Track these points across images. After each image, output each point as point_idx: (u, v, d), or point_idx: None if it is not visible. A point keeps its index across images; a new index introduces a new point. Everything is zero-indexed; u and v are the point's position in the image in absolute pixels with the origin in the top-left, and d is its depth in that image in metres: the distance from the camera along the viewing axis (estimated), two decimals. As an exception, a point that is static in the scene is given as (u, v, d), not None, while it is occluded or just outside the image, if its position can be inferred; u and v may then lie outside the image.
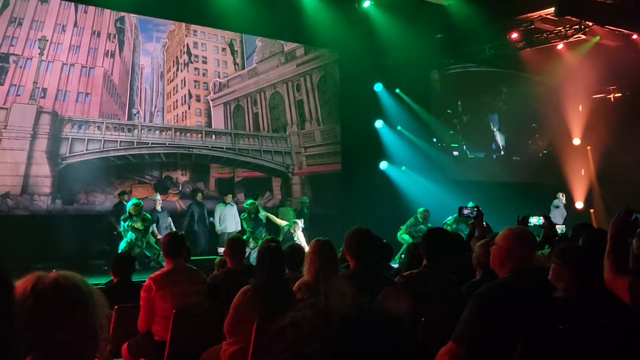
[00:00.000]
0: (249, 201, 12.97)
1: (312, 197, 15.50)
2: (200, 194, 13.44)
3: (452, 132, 18.37)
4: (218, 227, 13.14)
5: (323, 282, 4.08)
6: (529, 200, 14.61)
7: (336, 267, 4.43)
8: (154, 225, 12.10)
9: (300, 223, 13.20)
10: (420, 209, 13.77)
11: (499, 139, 19.50)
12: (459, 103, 18.73)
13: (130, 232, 11.22)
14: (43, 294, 1.58)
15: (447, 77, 18.35)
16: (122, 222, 11.38)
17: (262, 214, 13.09)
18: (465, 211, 5.90)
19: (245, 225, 12.79)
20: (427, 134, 17.11)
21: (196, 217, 13.16)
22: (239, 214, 13.09)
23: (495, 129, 19.42)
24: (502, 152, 19.50)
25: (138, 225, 11.26)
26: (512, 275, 3.12)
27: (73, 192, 12.68)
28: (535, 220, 6.11)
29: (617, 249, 2.90)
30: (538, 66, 17.16)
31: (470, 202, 12.92)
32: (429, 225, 13.36)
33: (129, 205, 11.45)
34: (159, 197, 12.72)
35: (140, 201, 11.64)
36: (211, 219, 13.36)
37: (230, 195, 13.63)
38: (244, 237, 11.76)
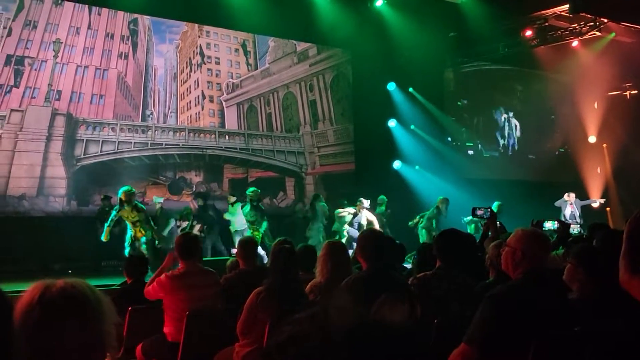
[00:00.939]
0: (252, 189, 12.49)
1: (325, 197, 15.50)
2: (200, 200, 12.95)
3: (464, 128, 18.27)
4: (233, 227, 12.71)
5: (335, 283, 4.08)
6: (544, 200, 14.56)
7: (348, 268, 4.43)
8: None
9: (366, 203, 13.31)
10: (440, 197, 13.67)
11: (511, 136, 19.41)
12: (468, 101, 18.66)
13: (128, 227, 10.73)
14: (50, 304, 1.58)
15: (461, 75, 18.30)
16: (113, 211, 10.70)
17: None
18: (479, 212, 5.87)
19: (245, 215, 12.29)
20: (441, 133, 17.05)
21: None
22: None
23: (505, 126, 19.32)
24: (516, 148, 19.42)
25: (129, 214, 10.58)
26: (526, 276, 3.09)
27: (88, 194, 12.76)
28: (549, 225, 6.07)
29: (633, 249, 2.86)
30: (553, 64, 17.06)
31: (496, 202, 12.90)
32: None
33: (120, 192, 10.70)
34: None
35: (132, 188, 10.87)
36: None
37: (234, 197, 12.86)
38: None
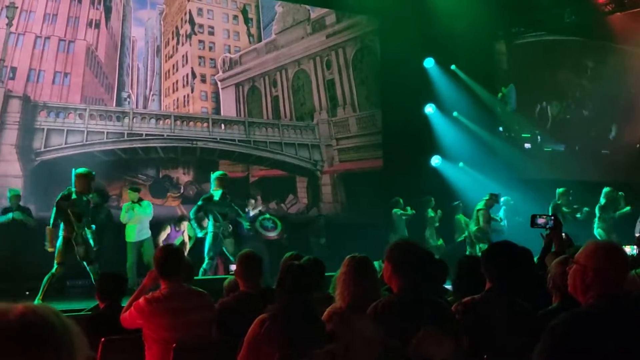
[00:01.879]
0: (221, 172, 11.97)
1: (346, 201, 15.48)
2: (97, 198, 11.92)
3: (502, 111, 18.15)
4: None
5: (359, 309, 4.07)
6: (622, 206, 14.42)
7: (376, 290, 4.41)
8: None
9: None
10: (560, 190, 13.92)
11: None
12: (526, 80, 18.60)
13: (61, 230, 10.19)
14: (5, 335, 1.55)
15: (516, 49, 18.21)
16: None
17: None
18: (540, 220, 5.84)
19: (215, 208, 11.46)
20: (491, 121, 16.98)
21: None
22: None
23: None
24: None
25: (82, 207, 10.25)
26: (599, 302, 3.07)
27: (49, 196, 12.76)
28: (628, 251, 6.03)
29: None
30: (632, 35, 16.94)
31: (607, 188, 13.01)
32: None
33: (9, 194, 10.87)
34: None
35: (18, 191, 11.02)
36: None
37: (136, 193, 12.25)
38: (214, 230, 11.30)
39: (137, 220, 11.95)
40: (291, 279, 4.37)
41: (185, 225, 12.73)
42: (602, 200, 13.82)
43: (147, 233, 12.00)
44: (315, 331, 4.07)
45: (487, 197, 13.65)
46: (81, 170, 10.29)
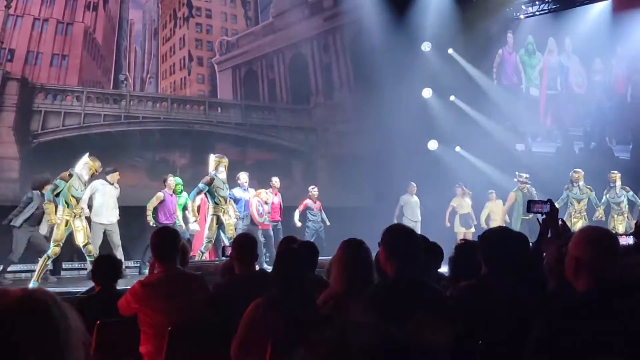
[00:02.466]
0: (218, 155, 11.88)
1: (342, 185, 15.44)
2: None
3: None
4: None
5: (355, 294, 4.06)
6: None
7: (371, 275, 4.39)
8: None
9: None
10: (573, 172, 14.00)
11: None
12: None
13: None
14: (2, 318, 1.54)
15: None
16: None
17: None
18: (536, 206, 5.81)
19: (217, 189, 11.38)
20: (488, 105, 16.92)
21: None
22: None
23: None
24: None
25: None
26: (593, 289, 3.05)
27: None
28: (623, 241, 5.99)
29: None
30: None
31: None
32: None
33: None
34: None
35: None
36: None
37: (117, 173, 11.72)
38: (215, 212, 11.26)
39: (111, 201, 11.38)
40: (285, 263, 4.36)
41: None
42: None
43: (114, 217, 11.31)
44: (310, 316, 4.05)
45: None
46: (93, 159, 10.50)
